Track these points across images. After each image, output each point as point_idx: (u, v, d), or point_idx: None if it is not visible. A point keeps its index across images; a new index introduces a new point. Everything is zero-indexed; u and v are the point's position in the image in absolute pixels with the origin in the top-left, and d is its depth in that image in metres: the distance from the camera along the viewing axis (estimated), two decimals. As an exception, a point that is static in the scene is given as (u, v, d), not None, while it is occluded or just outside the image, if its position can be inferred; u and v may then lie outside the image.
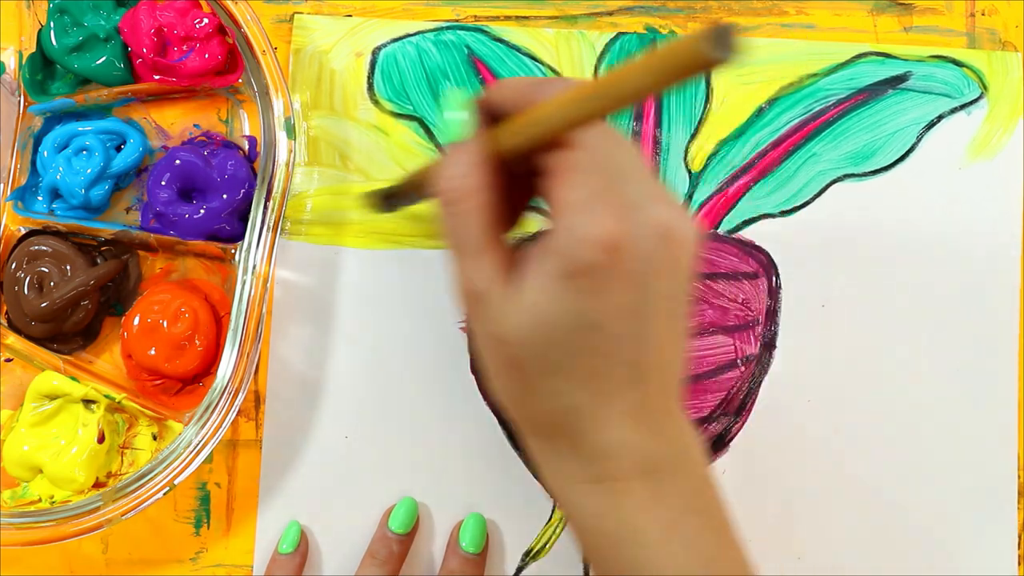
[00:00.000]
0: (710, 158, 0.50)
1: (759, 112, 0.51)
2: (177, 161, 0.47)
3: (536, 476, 0.48)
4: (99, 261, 0.48)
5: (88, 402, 0.46)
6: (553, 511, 0.49)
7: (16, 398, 0.47)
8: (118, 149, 0.48)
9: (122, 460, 0.47)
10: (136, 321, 0.47)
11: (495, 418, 0.49)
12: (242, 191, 0.47)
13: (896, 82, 0.51)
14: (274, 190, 0.45)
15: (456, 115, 0.34)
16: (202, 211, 0.46)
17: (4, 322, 0.48)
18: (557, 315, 0.32)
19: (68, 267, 0.47)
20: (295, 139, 0.46)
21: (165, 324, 0.46)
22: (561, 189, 0.32)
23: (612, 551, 0.35)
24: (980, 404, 0.49)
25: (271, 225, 0.45)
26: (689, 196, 0.50)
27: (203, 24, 0.47)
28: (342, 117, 0.50)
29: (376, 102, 0.50)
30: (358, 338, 0.49)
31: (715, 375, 0.49)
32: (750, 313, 0.50)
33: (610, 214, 0.31)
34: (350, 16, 0.51)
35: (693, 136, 0.50)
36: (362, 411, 0.49)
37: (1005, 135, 0.51)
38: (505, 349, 0.33)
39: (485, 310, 0.33)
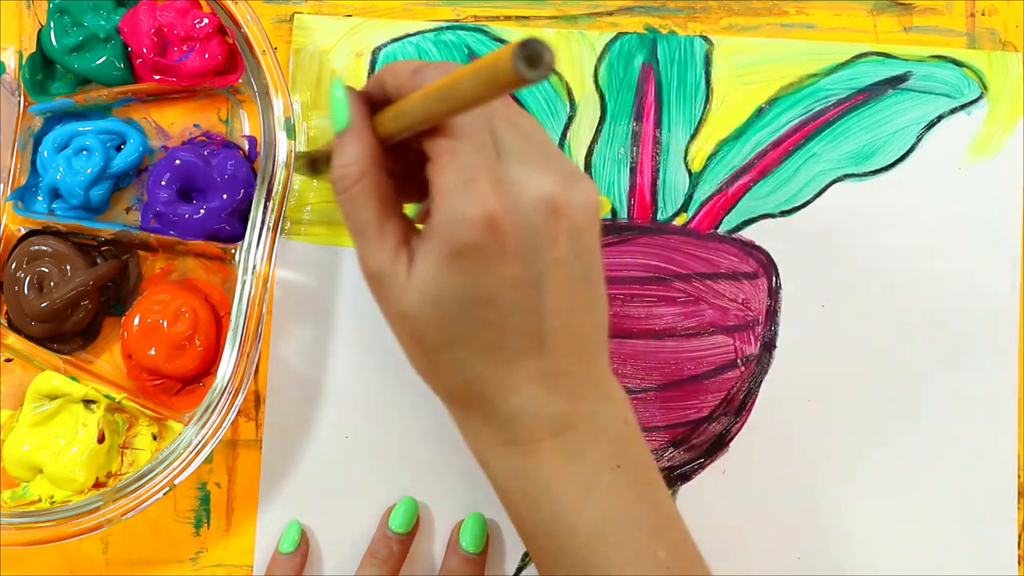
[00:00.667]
0: (710, 158, 0.50)
1: (759, 112, 0.51)
2: (177, 161, 0.47)
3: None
4: (99, 261, 0.48)
5: (88, 402, 0.46)
6: (553, 511, 0.49)
7: (16, 398, 0.47)
8: (118, 149, 0.48)
9: (122, 460, 0.47)
10: (136, 321, 0.47)
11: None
12: (242, 191, 0.47)
13: (896, 82, 0.51)
14: (274, 190, 0.45)
15: (338, 98, 0.35)
16: (202, 211, 0.46)
17: (4, 322, 0.48)
18: (446, 293, 0.33)
19: (68, 267, 0.47)
20: (295, 139, 0.46)
21: (165, 324, 0.46)
22: (438, 173, 0.33)
23: (531, 510, 0.36)
24: (980, 404, 0.49)
25: (271, 225, 0.45)
26: (689, 196, 0.50)
27: (203, 24, 0.47)
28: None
29: (376, 102, 0.50)
30: (358, 338, 0.49)
31: (715, 375, 0.49)
32: (750, 313, 0.50)
33: (487, 193, 0.32)
34: (350, 16, 0.51)
35: (693, 136, 0.50)
36: (362, 411, 0.49)
37: (1005, 135, 0.51)
38: (406, 324, 0.34)
39: (384, 289, 0.34)
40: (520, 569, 0.48)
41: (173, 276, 0.49)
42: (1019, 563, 0.49)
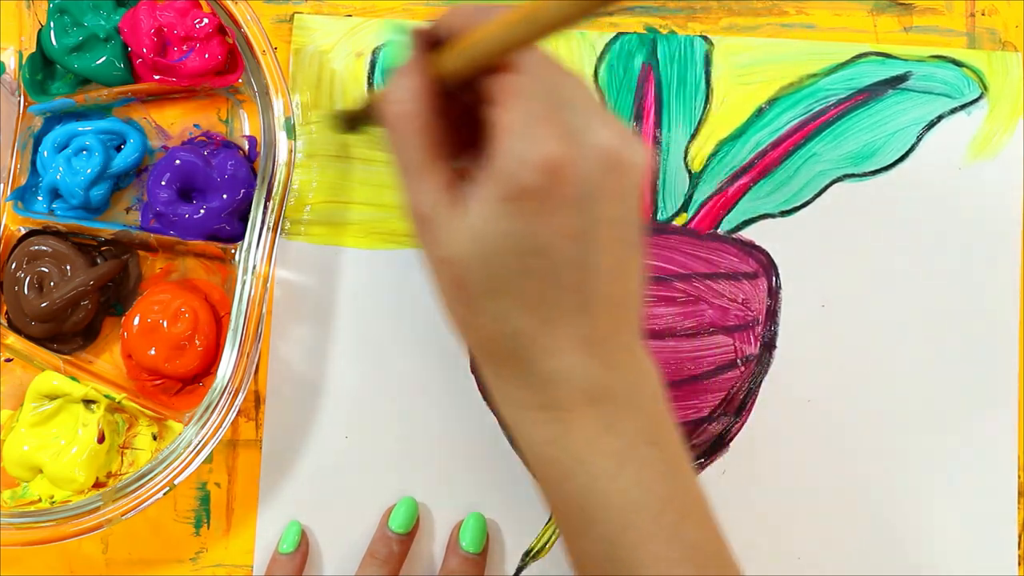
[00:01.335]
0: (710, 158, 0.50)
1: (759, 112, 0.51)
2: (177, 161, 0.47)
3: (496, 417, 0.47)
4: (99, 261, 0.48)
5: (88, 402, 0.46)
6: (553, 511, 0.49)
7: (16, 398, 0.47)
8: (118, 149, 0.48)
9: (122, 460, 0.47)
10: (136, 321, 0.47)
11: (495, 418, 0.49)
12: (242, 191, 0.47)
13: (896, 82, 0.51)
14: (274, 190, 0.45)
15: (399, 40, 0.35)
16: (202, 211, 0.46)
17: (4, 322, 0.48)
18: (499, 237, 0.32)
19: (68, 267, 0.47)
20: (295, 139, 0.46)
21: (165, 324, 0.46)
22: (503, 113, 0.32)
23: (561, 481, 0.35)
24: (980, 404, 0.49)
25: (271, 225, 0.45)
26: (689, 196, 0.50)
27: (203, 24, 0.47)
28: (342, 117, 0.50)
29: (376, 102, 0.50)
30: (358, 338, 0.49)
31: (715, 375, 0.49)
32: (750, 313, 0.50)
33: (551, 137, 0.31)
34: (350, 16, 0.51)
35: (693, 136, 0.50)
36: (362, 411, 0.49)
37: (1005, 135, 0.51)
38: (450, 270, 0.33)
39: (430, 232, 0.34)
40: (520, 569, 0.48)
41: (173, 276, 0.49)
42: (1019, 563, 0.49)
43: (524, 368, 0.34)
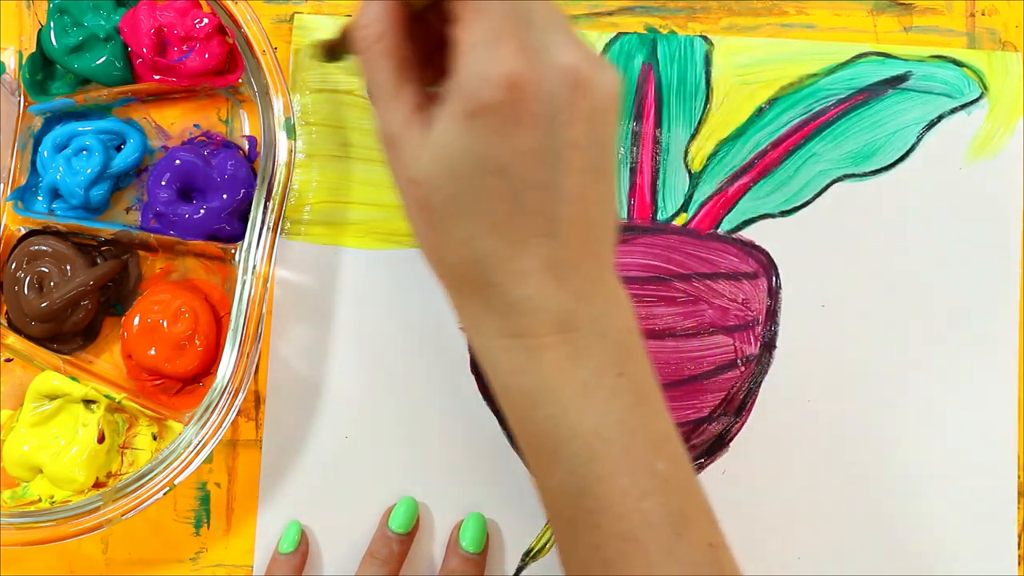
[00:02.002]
0: (710, 158, 0.50)
1: (759, 112, 0.51)
2: (177, 161, 0.47)
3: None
4: (99, 261, 0.48)
5: (88, 402, 0.46)
6: (553, 511, 0.49)
7: (16, 398, 0.47)
8: (118, 149, 0.48)
9: (122, 460, 0.47)
10: (136, 321, 0.47)
11: (495, 418, 0.49)
12: (242, 191, 0.47)
13: (896, 82, 0.51)
14: (274, 190, 0.45)
15: None
16: (202, 211, 0.47)
17: (4, 322, 0.48)
18: (461, 155, 0.32)
19: (68, 267, 0.47)
20: (295, 139, 0.46)
21: (165, 324, 0.46)
22: (464, 30, 0.32)
23: (530, 409, 0.34)
24: (980, 404, 0.49)
25: (271, 225, 0.45)
26: (689, 196, 0.50)
27: (203, 24, 0.47)
28: (342, 117, 0.50)
29: (376, 102, 0.50)
30: (358, 338, 0.49)
31: (715, 375, 0.49)
32: (750, 313, 0.50)
33: (512, 53, 0.31)
34: (350, 16, 0.51)
35: (693, 136, 0.50)
36: (362, 411, 0.49)
37: (1005, 135, 0.51)
38: (416, 191, 0.33)
39: (399, 153, 0.34)
40: (520, 569, 0.48)
41: (173, 276, 0.49)
42: (1019, 563, 0.49)
43: (491, 294, 0.34)
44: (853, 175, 0.50)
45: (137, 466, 0.46)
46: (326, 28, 0.50)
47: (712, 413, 0.49)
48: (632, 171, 0.50)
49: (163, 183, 0.47)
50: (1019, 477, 0.49)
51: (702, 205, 0.50)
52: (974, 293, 0.50)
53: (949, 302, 0.50)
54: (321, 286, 0.49)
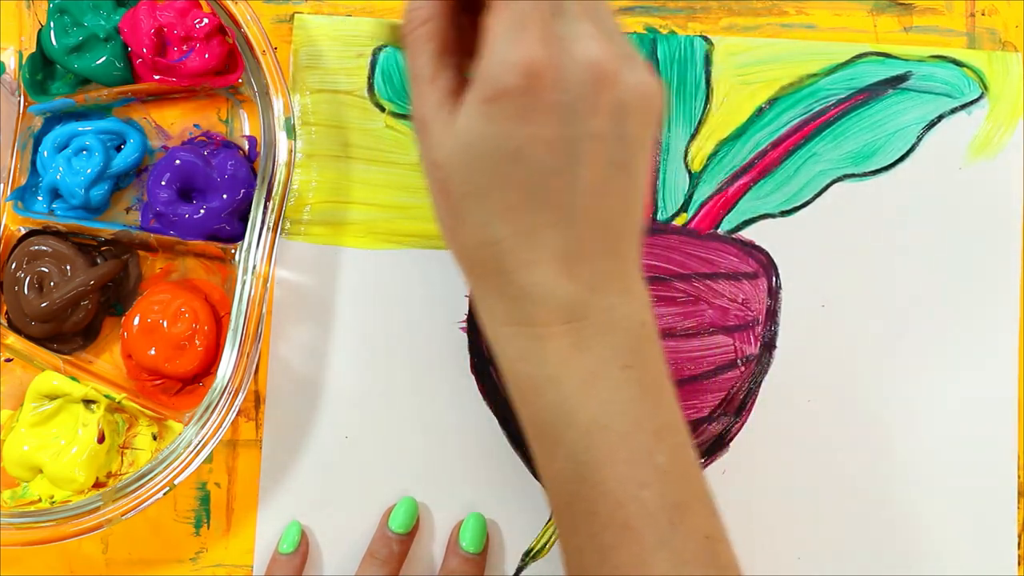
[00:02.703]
0: (710, 158, 0.50)
1: (759, 112, 0.51)
2: (177, 161, 0.47)
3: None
4: (99, 261, 0.48)
5: (88, 402, 0.46)
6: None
7: (16, 398, 0.47)
8: (118, 149, 0.48)
9: (122, 460, 0.47)
10: (136, 321, 0.47)
11: (495, 418, 0.49)
12: (242, 191, 0.47)
13: (896, 82, 0.51)
14: (274, 190, 0.45)
15: None
16: (202, 211, 0.47)
17: (4, 322, 0.48)
18: (479, 139, 0.32)
19: (68, 267, 0.47)
20: (295, 139, 0.46)
21: (165, 324, 0.46)
22: (493, 17, 0.32)
23: (533, 396, 0.35)
24: (980, 404, 0.49)
25: (271, 225, 0.45)
26: (689, 196, 0.50)
27: (203, 24, 0.47)
28: (342, 118, 0.50)
29: (377, 102, 0.50)
30: (358, 338, 0.49)
31: (715, 375, 0.49)
32: (750, 313, 0.50)
33: (534, 41, 0.31)
34: (350, 16, 0.51)
35: (693, 136, 0.50)
36: (362, 411, 0.49)
37: (1006, 135, 0.51)
38: (437, 174, 0.34)
39: (428, 136, 0.34)
40: (520, 569, 0.48)
41: (173, 276, 0.49)
42: (1019, 563, 0.49)
43: (503, 280, 0.34)
44: (853, 175, 0.50)
45: (137, 466, 0.46)
46: (325, 28, 0.50)
47: (712, 413, 0.49)
48: (632, 171, 0.50)
49: (163, 183, 0.47)
50: (1019, 477, 0.49)
51: (702, 205, 0.50)
52: (974, 293, 0.50)
53: (949, 302, 0.50)
54: (321, 286, 0.49)
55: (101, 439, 0.45)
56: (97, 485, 0.45)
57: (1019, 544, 0.49)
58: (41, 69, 0.48)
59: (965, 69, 0.51)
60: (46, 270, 0.47)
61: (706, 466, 0.49)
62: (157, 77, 0.47)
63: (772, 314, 0.50)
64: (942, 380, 0.49)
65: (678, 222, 0.50)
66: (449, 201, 0.34)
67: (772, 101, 0.51)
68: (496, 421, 0.49)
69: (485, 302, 0.36)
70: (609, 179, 0.33)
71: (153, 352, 0.46)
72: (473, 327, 0.49)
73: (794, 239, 0.50)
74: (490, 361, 0.49)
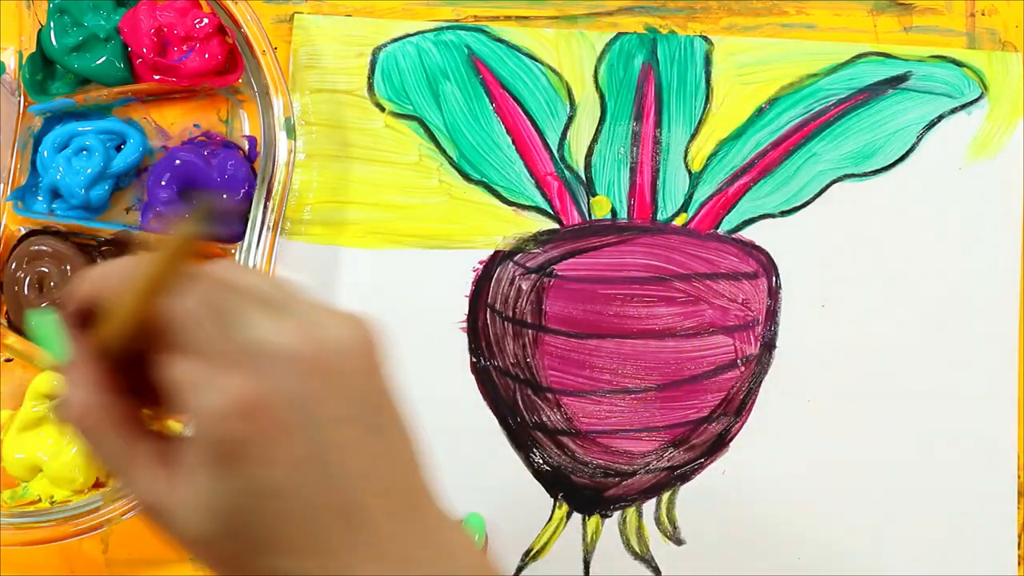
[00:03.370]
0: (710, 158, 0.50)
1: (759, 112, 0.50)
2: (177, 161, 0.47)
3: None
4: (99, 261, 0.48)
5: (88, 402, 0.46)
6: (553, 511, 0.49)
7: (16, 398, 0.47)
8: (118, 149, 0.48)
9: (122, 460, 0.47)
10: (136, 321, 0.46)
11: (495, 418, 0.49)
12: (242, 191, 0.47)
13: (896, 82, 0.51)
14: (274, 190, 0.45)
15: (48, 331, 0.31)
16: (202, 211, 0.46)
17: (4, 322, 0.48)
18: (225, 503, 0.28)
19: (68, 267, 0.47)
20: (295, 139, 0.46)
21: (165, 324, 0.46)
22: (171, 372, 0.29)
23: None
24: (980, 404, 0.49)
25: (271, 225, 0.45)
26: (689, 196, 0.50)
27: (203, 24, 0.47)
28: (342, 117, 0.50)
29: (376, 102, 0.50)
30: (358, 338, 0.49)
31: (715, 375, 0.49)
32: (750, 313, 0.50)
33: (230, 376, 0.28)
34: (350, 16, 0.51)
35: (693, 136, 0.50)
36: (362, 411, 0.48)
37: (1005, 135, 0.51)
38: (204, 551, 0.30)
39: (164, 520, 0.30)
40: (520, 569, 0.48)
41: (173, 276, 0.49)
42: (1019, 563, 0.49)
43: None
44: (853, 175, 0.50)
45: (137, 466, 0.46)
46: (325, 27, 0.50)
47: (712, 413, 0.49)
48: (632, 171, 0.50)
49: (163, 183, 0.47)
50: (1019, 477, 0.49)
51: (702, 205, 0.50)
52: (974, 293, 0.50)
53: (949, 302, 0.50)
54: (321, 286, 0.49)
55: (101, 439, 0.45)
56: (97, 485, 0.45)
57: (1019, 544, 0.49)
58: (41, 69, 0.48)
59: (965, 69, 0.51)
60: (46, 270, 0.47)
61: (706, 466, 0.49)
62: (157, 77, 0.47)
63: (772, 314, 0.50)
64: (942, 380, 0.49)
65: (678, 222, 0.50)
66: (242, 569, 0.30)
67: (772, 101, 0.51)
68: (496, 421, 0.49)
69: None
70: (372, 451, 0.30)
71: (153, 352, 0.46)
72: (473, 327, 0.49)
73: (794, 239, 0.50)
74: (490, 361, 0.49)
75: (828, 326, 0.49)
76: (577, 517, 0.48)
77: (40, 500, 0.45)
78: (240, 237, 0.46)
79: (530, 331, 0.49)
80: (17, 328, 0.47)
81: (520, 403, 0.49)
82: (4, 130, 0.48)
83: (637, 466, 0.49)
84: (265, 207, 0.45)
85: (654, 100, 0.50)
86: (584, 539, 0.48)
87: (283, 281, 0.32)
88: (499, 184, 0.50)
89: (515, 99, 0.50)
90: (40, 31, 0.48)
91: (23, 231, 0.48)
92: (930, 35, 0.51)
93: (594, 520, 0.48)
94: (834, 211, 0.50)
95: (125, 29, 0.47)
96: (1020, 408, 0.49)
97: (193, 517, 0.29)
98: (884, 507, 0.49)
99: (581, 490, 0.48)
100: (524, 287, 0.49)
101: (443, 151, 0.50)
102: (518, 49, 0.50)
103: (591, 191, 0.50)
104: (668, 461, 0.49)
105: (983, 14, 0.51)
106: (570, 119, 0.50)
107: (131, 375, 0.31)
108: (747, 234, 0.50)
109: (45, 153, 0.47)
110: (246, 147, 0.49)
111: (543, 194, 0.50)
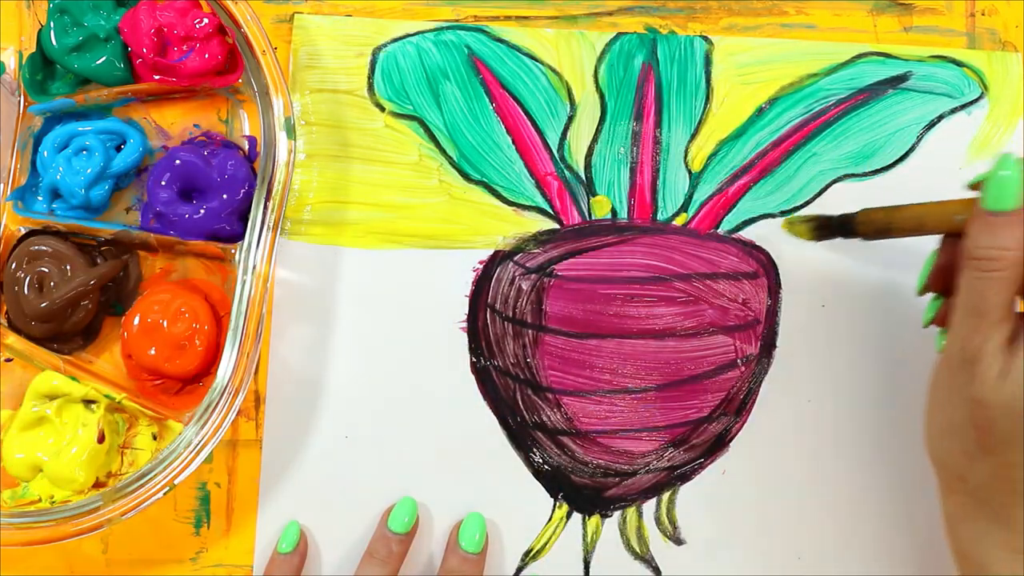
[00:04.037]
0: (710, 158, 0.50)
1: (759, 112, 0.51)
2: (177, 161, 0.47)
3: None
4: (99, 261, 0.48)
5: (88, 402, 0.46)
6: (553, 511, 0.49)
7: (16, 398, 0.47)
8: (118, 149, 0.48)
9: (122, 460, 0.47)
10: (136, 321, 0.47)
11: (495, 418, 0.49)
12: (242, 191, 0.47)
13: (896, 82, 0.51)
14: (274, 190, 0.45)
15: (1009, 179, 0.36)
16: (202, 211, 0.47)
17: (4, 322, 0.48)
18: None
19: (68, 267, 0.47)
20: (295, 139, 0.46)
21: (165, 324, 0.46)
22: None
23: None
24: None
25: (271, 225, 0.45)
26: (689, 196, 0.50)
27: (203, 24, 0.47)
28: (342, 117, 0.50)
29: (377, 102, 0.50)
30: (358, 338, 0.49)
31: (715, 375, 0.49)
32: (750, 313, 0.50)
33: None
34: (350, 16, 0.51)
35: (693, 136, 0.50)
36: (362, 411, 0.49)
37: (1005, 135, 0.51)
38: (981, 411, 0.35)
39: (971, 370, 0.35)
40: (520, 569, 0.48)
41: (173, 276, 0.49)
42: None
43: (1007, 512, 0.36)
44: (853, 175, 0.50)
45: (137, 466, 0.46)
46: (325, 27, 0.50)
47: (712, 413, 0.49)
48: (632, 171, 0.50)
49: (163, 183, 0.47)
50: (1019, 477, 0.49)
51: (702, 205, 0.50)
52: (974, 293, 0.50)
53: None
54: (321, 286, 0.49)
55: (101, 439, 0.45)
56: (97, 485, 0.45)
57: (1019, 544, 0.49)
58: (41, 69, 0.48)
59: (965, 69, 0.51)
60: (46, 270, 0.47)
61: (706, 466, 0.49)
62: (157, 77, 0.47)
63: (772, 314, 0.50)
64: (942, 380, 0.49)
65: (678, 222, 0.50)
66: (988, 440, 0.36)
67: (772, 101, 0.51)
68: (496, 421, 0.49)
69: (976, 523, 0.38)
70: None
71: (153, 352, 0.46)
72: (473, 327, 0.49)
73: (794, 239, 0.50)
74: (490, 361, 0.49)
75: (828, 326, 0.50)
76: (577, 517, 0.48)
77: (40, 500, 0.45)
78: (240, 237, 0.46)
79: (530, 331, 0.49)
80: (17, 328, 0.47)
81: (520, 403, 0.49)
82: (4, 130, 0.48)
83: (637, 466, 0.49)
84: (265, 207, 0.45)
85: (654, 100, 0.50)
86: (584, 539, 0.48)
87: None
88: (499, 184, 0.50)
89: (515, 99, 0.50)
90: (40, 31, 0.48)
91: (23, 231, 0.48)
92: (930, 35, 0.51)
93: (594, 520, 0.48)
94: (834, 211, 0.50)
95: (125, 29, 0.47)
96: (1020, 408, 0.49)
97: (1003, 385, 0.35)
98: (884, 507, 0.49)
99: (581, 490, 0.48)
100: (524, 287, 0.49)
101: (443, 151, 0.50)
102: (518, 49, 0.50)
103: (591, 191, 0.50)
104: (668, 461, 0.49)
105: (983, 14, 0.51)
106: (570, 119, 0.50)
107: None
108: (747, 234, 0.50)
109: (45, 153, 0.47)
110: (246, 147, 0.49)
111: (543, 194, 0.50)
